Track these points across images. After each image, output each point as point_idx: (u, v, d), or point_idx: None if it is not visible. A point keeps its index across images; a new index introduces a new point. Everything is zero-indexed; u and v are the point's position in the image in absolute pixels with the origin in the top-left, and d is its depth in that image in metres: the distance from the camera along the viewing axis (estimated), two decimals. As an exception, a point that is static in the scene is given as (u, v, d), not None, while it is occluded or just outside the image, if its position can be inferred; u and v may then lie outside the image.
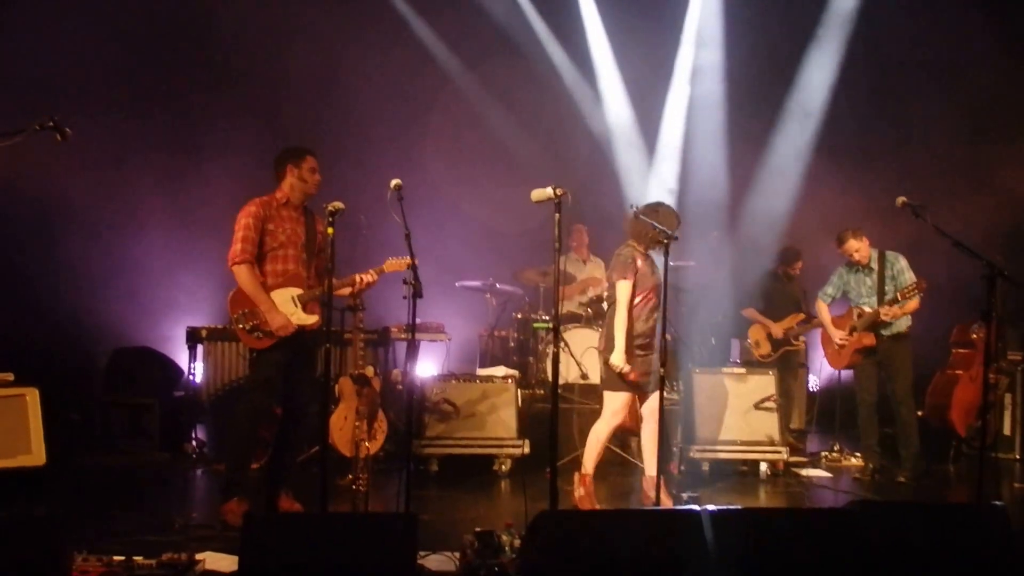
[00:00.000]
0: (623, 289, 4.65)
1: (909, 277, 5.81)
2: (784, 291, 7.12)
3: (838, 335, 6.02)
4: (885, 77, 8.24)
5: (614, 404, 4.75)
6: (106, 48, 6.97)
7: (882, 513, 3.34)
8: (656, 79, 8.77)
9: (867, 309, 5.86)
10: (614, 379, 4.71)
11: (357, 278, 4.40)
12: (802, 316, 6.91)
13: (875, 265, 5.91)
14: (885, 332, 5.84)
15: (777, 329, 6.86)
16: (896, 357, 5.85)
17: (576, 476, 4.77)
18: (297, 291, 4.36)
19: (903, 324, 5.84)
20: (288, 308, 4.32)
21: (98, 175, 6.92)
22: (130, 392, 6.22)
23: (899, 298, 5.71)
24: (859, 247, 5.91)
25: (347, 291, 4.49)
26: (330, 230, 3.90)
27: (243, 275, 4.29)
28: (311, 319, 4.36)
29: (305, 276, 4.41)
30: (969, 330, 6.58)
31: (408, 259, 3.97)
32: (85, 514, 4.24)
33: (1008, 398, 6.69)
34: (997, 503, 3.50)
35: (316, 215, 4.47)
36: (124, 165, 7.12)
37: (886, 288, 5.83)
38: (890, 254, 5.92)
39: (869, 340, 5.85)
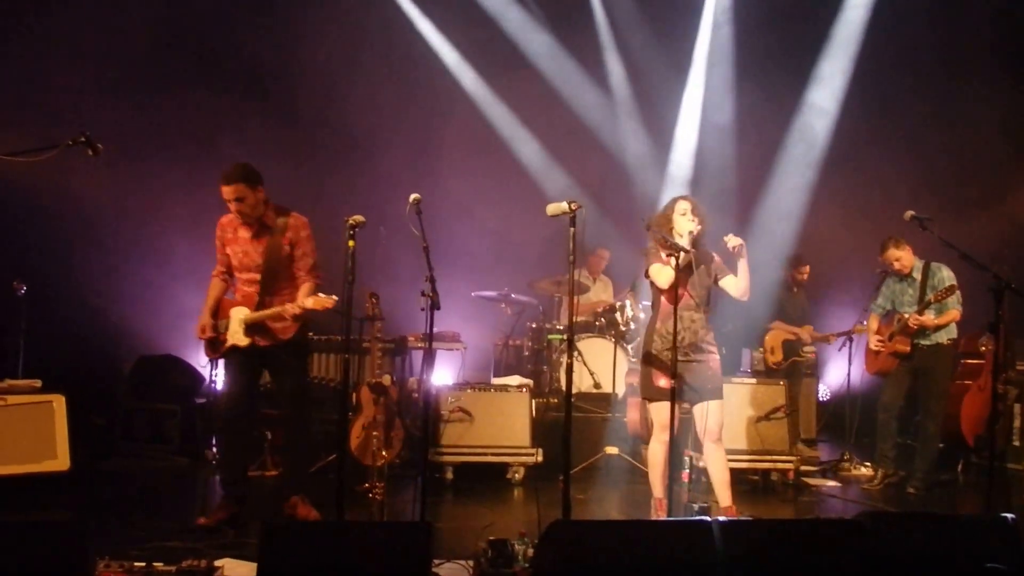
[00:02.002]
0: (654, 271, 4.35)
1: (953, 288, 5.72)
2: (794, 301, 7.17)
3: (875, 338, 6.04)
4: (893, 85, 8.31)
5: (657, 417, 4.41)
6: (130, 56, 7.11)
7: (892, 524, 3.37)
8: (670, 94, 8.88)
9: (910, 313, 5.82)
10: (648, 386, 4.39)
11: (283, 310, 4.37)
12: (810, 328, 6.98)
13: (918, 275, 5.86)
14: (924, 342, 5.80)
15: (805, 334, 6.90)
16: (933, 369, 5.82)
17: (652, 502, 4.59)
18: (245, 311, 4.46)
19: (943, 335, 5.78)
20: (235, 326, 4.45)
21: (124, 185, 7.05)
22: (153, 399, 6.35)
23: (932, 301, 5.68)
24: (900, 256, 5.86)
25: (275, 311, 4.41)
26: (351, 243, 3.96)
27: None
28: (243, 341, 4.42)
29: (258, 299, 4.45)
30: (978, 341, 6.59)
31: (330, 301, 4.20)
32: (107, 519, 4.34)
33: (1017, 408, 6.69)
34: (1007, 515, 3.53)
35: (288, 220, 4.46)
36: (150, 175, 7.24)
37: (927, 298, 5.78)
38: (934, 265, 5.85)
39: (903, 346, 5.83)
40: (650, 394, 4.39)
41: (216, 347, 4.54)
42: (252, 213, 4.38)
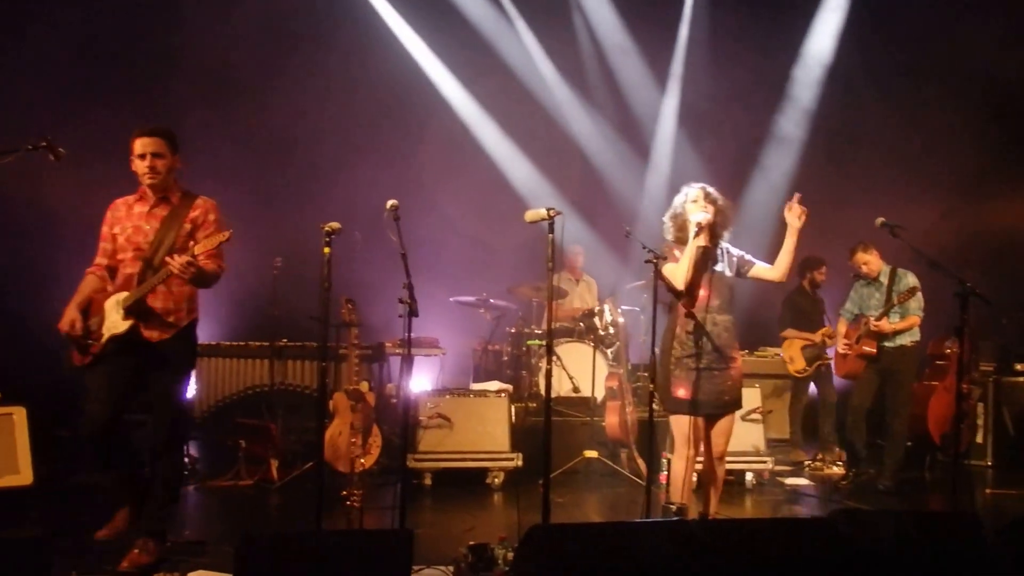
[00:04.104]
0: (668, 271, 4.03)
1: (917, 295, 5.87)
2: (813, 304, 7.13)
3: (843, 342, 6.17)
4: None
5: (678, 430, 4.07)
6: (94, 59, 7.04)
7: (862, 521, 3.44)
8: (649, 98, 8.97)
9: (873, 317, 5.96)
10: (668, 397, 4.07)
11: (168, 262, 3.72)
12: (830, 329, 6.99)
13: (885, 280, 6.01)
14: (889, 344, 5.96)
15: (818, 337, 6.89)
16: (899, 370, 5.97)
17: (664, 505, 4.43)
18: (124, 294, 3.85)
19: (907, 338, 5.94)
20: (112, 317, 3.85)
21: (89, 193, 6.92)
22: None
23: (895, 303, 5.82)
24: (867, 260, 6.03)
25: (183, 275, 3.75)
26: (327, 250, 3.90)
27: None
28: (123, 326, 3.80)
29: (141, 278, 3.85)
30: (944, 344, 6.74)
31: (223, 235, 3.72)
32: (75, 534, 4.16)
33: (980, 408, 6.89)
34: (970, 511, 3.63)
35: (195, 199, 3.98)
36: (116, 182, 7.16)
37: (891, 301, 5.93)
38: (901, 270, 6.01)
39: (870, 349, 5.97)
40: (671, 406, 4.07)
41: (87, 349, 3.92)
42: (162, 176, 3.88)
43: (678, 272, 3.98)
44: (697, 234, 3.98)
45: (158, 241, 3.87)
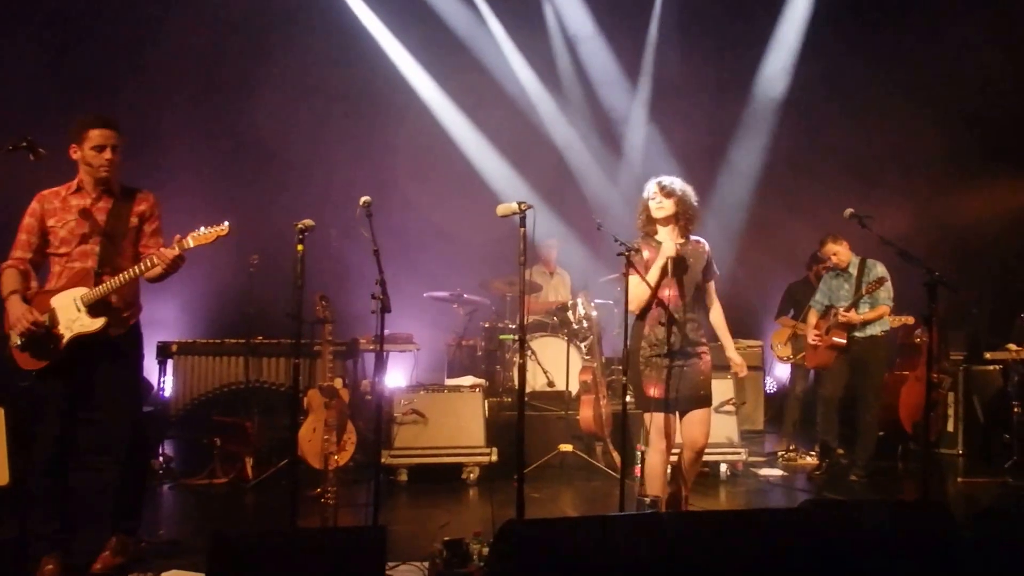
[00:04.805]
0: (632, 286, 4.05)
1: (886, 285, 5.92)
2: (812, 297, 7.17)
3: (812, 333, 6.22)
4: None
5: (653, 425, 4.08)
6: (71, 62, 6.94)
7: (835, 511, 3.49)
8: (620, 91, 8.98)
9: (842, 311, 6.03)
10: (640, 395, 4.10)
11: (156, 257, 3.62)
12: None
13: (854, 271, 6.06)
14: (859, 334, 6.01)
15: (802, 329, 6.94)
16: (869, 360, 6.03)
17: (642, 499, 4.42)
18: (82, 291, 3.64)
19: (877, 328, 6.00)
20: (70, 314, 3.62)
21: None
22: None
23: (864, 294, 5.88)
24: (836, 251, 6.07)
25: (158, 271, 3.64)
26: (300, 247, 3.87)
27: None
28: (95, 324, 3.62)
29: (98, 272, 3.67)
30: (913, 333, 6.83)
31: (219, 230, 3.63)
32: (50, 534, 4.03)
33: (951, 397, 6.97)
34: (939, 500, 3.68)
35: (137, 193, 3.83)
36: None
37: (860, 292, 5.99)
38: (870, 261, 6.06)
39: (840, 339, 6.02)
40: (643, 404, 4.10)
41: (45, 351, 3.61)
42: (115, 169, 3.74)
43: (636, 291, 4.02)
44: (663, 267, 4.01)
45: (108, 234, 3.70)
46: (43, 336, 3.61)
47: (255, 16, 7.62)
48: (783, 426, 7.04)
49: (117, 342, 3.73)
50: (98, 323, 3.63)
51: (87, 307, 3.64)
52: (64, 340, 3.62)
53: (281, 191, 7.51)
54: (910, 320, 6.35)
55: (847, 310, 5.96)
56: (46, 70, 6.81)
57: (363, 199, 3.93)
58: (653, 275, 4.02)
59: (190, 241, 3.61)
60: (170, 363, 6.00)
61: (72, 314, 3.63)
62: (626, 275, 4.05)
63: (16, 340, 3.62)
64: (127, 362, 3.82)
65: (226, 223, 3.65)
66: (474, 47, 8.53)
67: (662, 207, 4.04)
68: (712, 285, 4.24)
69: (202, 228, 3.65)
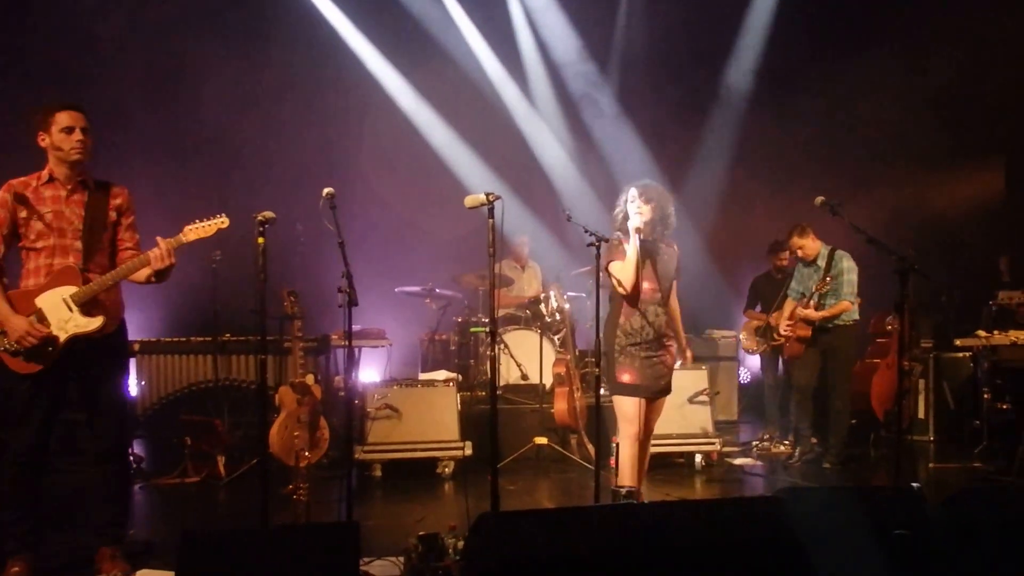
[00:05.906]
0: (614, 269, 4.13)
1: (848, 279, 5.95)
2: (775, 288, 7.07)
3: (784, 323, 6.25)
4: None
5: (622, 411, 4.22)
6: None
7: (809, 498, 3.50)
8: (588, 84, 8.98)
9: (812, 303, 6.04)
10: (613, 381, 4.23)
11: (152, 255, 3.52)
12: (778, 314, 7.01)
13: (823, 262, 6.07)
14: (827, 323, 6.04)
15: (774, 320, 6.92)
16: (839, 349, 6.07)
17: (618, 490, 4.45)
18: (70, 290, 3.50)
19: (847, 317, 6.03)
20: (61, 314, 3.48)
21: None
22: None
23: (815, 292, 5.93)
24: (802, 244, 6.10)
25: (145, 273, 3.57)
26: (261, 240, 3.74)
27: None
28: (93, 323, 3.51)
29: (83, 269, 3.54)
30: (885, 321, 6.89)
31: (219, 222, 3.59)
32: (18, 535, 4.04)
33: (922, 384, 7.05)
34: (913, 485, 3.70)
35: (111, 187, 3.69)
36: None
37: (812, 290, 6.02)
38: (839, 253, 6.06)
39: (804, 331, 6.07)
40: (615, 389, 4.21)
41: (41, 355, 3.46)
42: (88, 153, 3.57)
43: (624, 273, 4.09)
44: (637, 231, 4.07)
45: (89, 227, 3.56)
46: (44, 341, 3.46)
47: (218, 7, 7.48)
48: (766, 413, 7.06)
49: (109, 340, 3.62)
50: (96, 322, 3.51)
51: (79, 306, 3.50)
52: (61, 342, 3.48)
53: (243, 186, 7.36)
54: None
55: (805, 306, 6.01)
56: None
57: (326, 190, 3.83)
58: (631, 254, 4.07)
59: (189, 235, 3.54)
60: (133, 362, 5.88)
61: (64, 314, 3.48)
62: (597, 267, 4.09)
63: (6, 345, 3.43)
64: (119, 360, 3.75)
65: (223, 215, 3.59)
66: (439, 37, 8.44)
67: (640, 212, 4.11)
68: (675, 284, 4.36)
69: (197, 221, 3.58)
